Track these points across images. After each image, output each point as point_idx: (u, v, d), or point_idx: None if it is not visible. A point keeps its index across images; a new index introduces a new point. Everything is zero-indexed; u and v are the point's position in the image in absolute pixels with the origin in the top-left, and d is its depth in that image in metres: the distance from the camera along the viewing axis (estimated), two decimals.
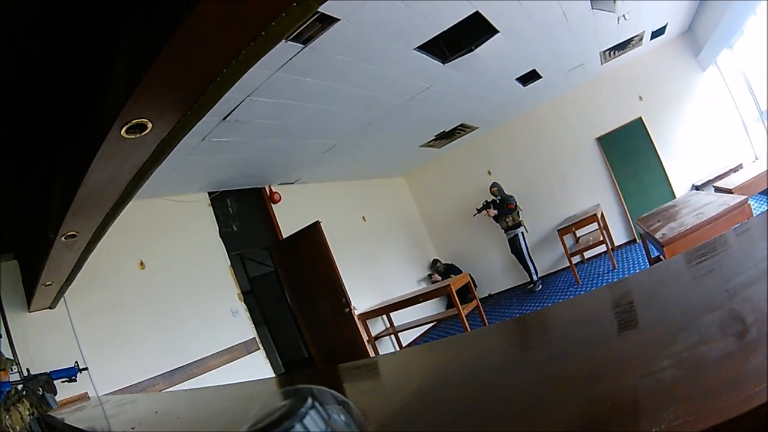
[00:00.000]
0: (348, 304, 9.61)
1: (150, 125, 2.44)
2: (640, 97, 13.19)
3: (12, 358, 5.61)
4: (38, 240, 4.82)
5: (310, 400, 0.62)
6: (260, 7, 1.81)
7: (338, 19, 5.37)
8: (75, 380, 6.04)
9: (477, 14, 6.71)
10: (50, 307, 6.86)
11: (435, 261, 15.27)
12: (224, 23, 1.83)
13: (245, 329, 8.95)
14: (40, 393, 5.59)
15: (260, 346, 9.06)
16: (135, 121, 2.36)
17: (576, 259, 13.39)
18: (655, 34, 11.58)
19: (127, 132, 2.45)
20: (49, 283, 5.62)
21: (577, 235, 13.84)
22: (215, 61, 2.07)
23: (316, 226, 9.68)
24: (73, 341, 6.92)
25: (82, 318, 7.07)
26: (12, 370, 5.57)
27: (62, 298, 6.73)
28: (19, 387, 5.53)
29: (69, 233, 3.99)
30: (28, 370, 5.67)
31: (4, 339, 6.26)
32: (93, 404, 5.77)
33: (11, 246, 6.83)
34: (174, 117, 2.48)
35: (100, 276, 7.19)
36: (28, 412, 5.21)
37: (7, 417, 4.98)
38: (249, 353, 8.78)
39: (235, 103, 6.38)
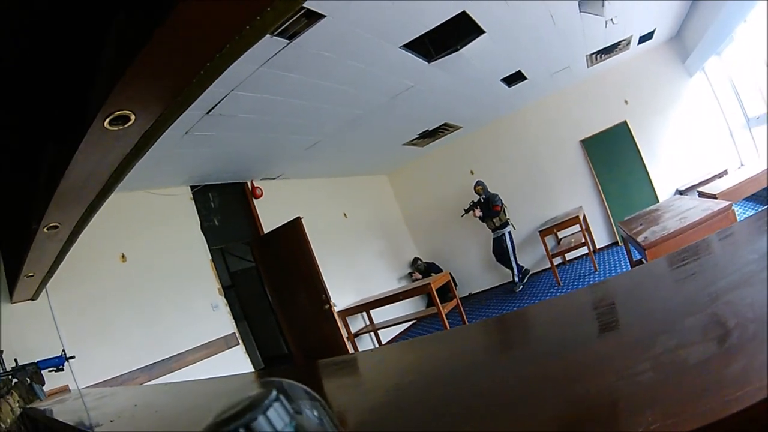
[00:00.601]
0: (328, 300, 9.62)
1: (133, 117, 2.43)
2: (626, 101, 13.24)
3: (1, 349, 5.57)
4: (21, 231, 4.81)
5: (274, 392, 0.62)
6: (246, 1, 1.82)
7: (324, 16, 5.37)
8: (62, 369, 5.98)
9: (464, 14, 6.72)
10: (32, 299, 6.84)
11: (416, 259, 15.27)
12: (210, 16, 1.83)
13: (225, 324, 8.93)
14: (29, 383, 5.55)
15: (240, 341, 9.05)
16: (118, 113, 2.36)
17: (557, 261, 13.46)
18: (643, 38, 11.63)
19: (110, 124, 2.45)
20: (31, 274, 5.62)
21: (559, 237, 13.89)
22: (199, 54, 2.07)
23: (297, 221, 9.67)
24: (54, 333, 6.91)
25: (63, 310, 7.05)
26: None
27: (44, 290, 6.71)
28: (10, 377, 5.50)
29: (51, 224, 4.00)
30: (16, 360, 5.61)
31: None
32: (73, 397, 5.74)
33: None
34: (157, 109, 2.47)
35: (82, 268, 7.17)
36: (17, 405, 5.16)
37: None
38: (229, 348, 8.77)
39: (219, 97, 6.37)
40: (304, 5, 4.76)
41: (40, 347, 6.14)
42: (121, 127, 2.50)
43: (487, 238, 14.04)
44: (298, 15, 5.17)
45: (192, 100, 2.43)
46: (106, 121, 2.44)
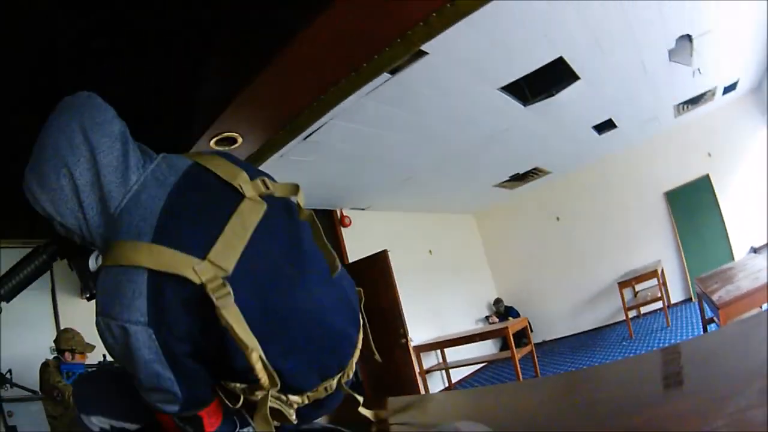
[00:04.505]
0: (405, 335, 9.57)
1: (240, 140, 2.48)
2: (709, 154, 12.89)
3: (93, 344, 5.67)
4: None
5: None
6: (366, 39, 1.84)
7: (427, 53, 5.40)
8: None
9: (560, 59, 6.72)
10: None
11: (498, 300, 15.10)
12: (329, 50, 1.86)
13: None
14: None
15: None
16: (226, 134, 2.41)
17: (632, 314, 13.16)
18: (727, 89, 11.34)
19: (216, 143, 2.50)
20: None
21: (636, 290, 13.55)
22: (314, 86, 2.10)
23: (383, 254, 9.69)
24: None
25: None
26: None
27: None
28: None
29: None
30: (104, 356, 5.70)
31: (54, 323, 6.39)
32: None
33: None
34: (265, 134, 2.52)
35: None
36: None
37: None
38: None
39: (318, 124, 6.43)
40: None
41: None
42: (227, 148, 2.55)
43: (567, 287, 13.88)
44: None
45: (302, 129, 2.47)
46: (213, 140, 2.49)
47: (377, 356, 2.00)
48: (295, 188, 1.75)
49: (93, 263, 1.72)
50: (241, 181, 1.55)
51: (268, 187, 1.61)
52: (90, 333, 5.75)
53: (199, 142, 2.47)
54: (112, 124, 1.50)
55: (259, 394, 1.43)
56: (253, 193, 1.54)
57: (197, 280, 1.31)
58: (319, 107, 2.24)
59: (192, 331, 1.37)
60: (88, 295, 2.09)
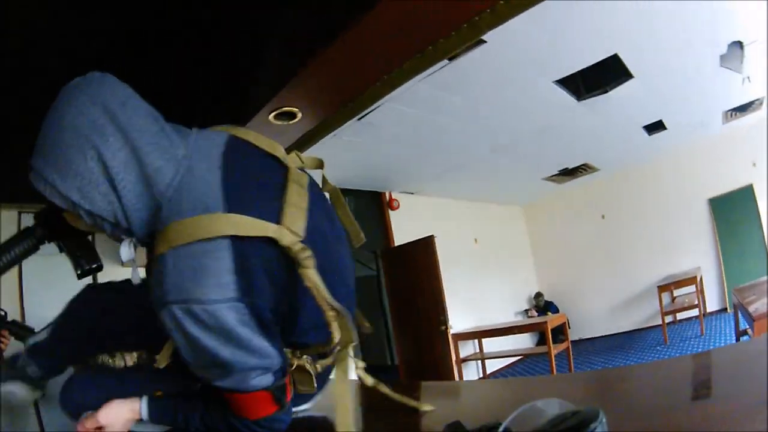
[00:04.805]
0: (445, 322, 9.58)
1: (299, 115, 2.49)
2: (754, 164, 12.63)
3: None
4: None
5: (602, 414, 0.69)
6: (433, 22, 1.84)
7: (485, 41, 5.37)
8: None
9: (615, 56, 6.65)
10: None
11: (538, 294, 15.03)
12: (395, 31, 1.86)
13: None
14: None
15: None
16: (286, 108, 2.42)
17: (667, 319, 13.00)
18: None
19: (275, 117, 2.51)
20: None
21: (674, 295, 13.36)
22: (377, 67, 2.10)
23: (429, 240, 9.69)
24: None
25: None
26: None
27: None
28: None
29: None
30: None
31: None
32: None
33: None
34: (324, 112, 2.52)
35: None
36: None
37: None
38: None
39: (373, 106, 6.42)
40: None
41: None
42: (285, 123, 2.56)
43: (607, 286, 13.84)
44: None
45: (360, 110, 2.47)
46: (272, 114, 2.50)
47: (367, 326, 2.05)
48: (321, 163, 1.91)
49: (127, 252, 1.63)
50: (280, 152, 1.64)
51: (301, 160, 1.72)
52: None
53: (259, 115, 2.48)
54: (137, 101, 1.47)
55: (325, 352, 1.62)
56: (293, 165, 1.61)
57: (285, 243, 1.35)
58: (380, 88, 2.24)
59: (272, 297, 1.40)
60: (79, 272, 2.11)
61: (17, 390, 2.25)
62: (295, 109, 2.42)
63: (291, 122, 2.52)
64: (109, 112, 1.36)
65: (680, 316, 13.06)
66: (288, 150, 2.57)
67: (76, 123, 1.33)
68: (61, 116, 1.35)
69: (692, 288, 12.06)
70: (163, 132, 1.45)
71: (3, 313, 3.64)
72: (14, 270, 6.60)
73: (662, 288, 12.09)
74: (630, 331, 13.72)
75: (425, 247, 9.72)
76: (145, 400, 1.73)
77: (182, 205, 1.38)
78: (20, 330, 3.86)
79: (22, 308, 6.21)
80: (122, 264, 1.66)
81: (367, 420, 2.00)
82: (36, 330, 4.06)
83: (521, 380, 2.92)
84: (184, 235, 1.34)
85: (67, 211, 1.48)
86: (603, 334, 14.69)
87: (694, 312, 11.85)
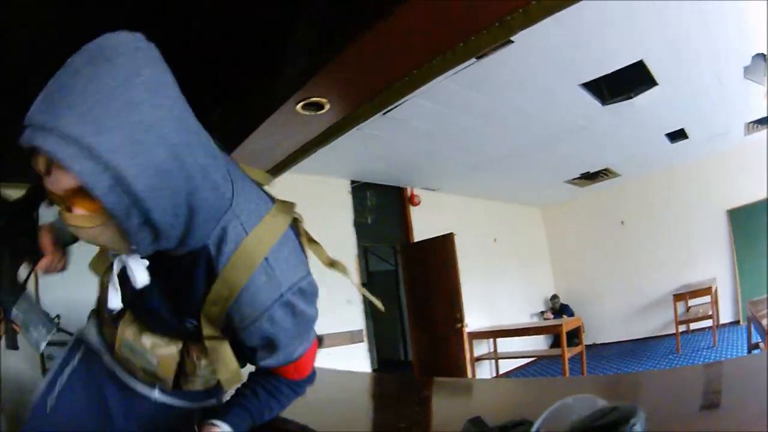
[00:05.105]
0: (461, 320, 9.57)
1: (327, 106, 2.50)
2: None
3: None
4: None
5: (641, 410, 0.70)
6: (465, 20, 1.85)
7: (512, 41, 5.37)
8: None
9: (641, 63, 6.63)
10: None
11: (554, 296, 15.02)
12: (427, 27, 1.87)
13: (355, 320, 9.02)
14: None
15: (365, 338, 9.12)
16: (314, 99, 2.43)
17: (680, 328, 12.93)
18: None
19: (302, 108, 2.52)
20: None
21: (689, 305, 13.26)
22: (407, 61, 2.11)
23: (449, 237, 9.68)
24: None
25: None
26: None
27: None
28: None
29: None
30: None
31: None
32: None
33: None
34: (351, 104, 2.53)
35: None
36: None
37: None
38: (352, 343, 8.84)
39: (399, 101, 6.43)
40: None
41: None
42: (312, 113, 2.58)
43: (623, 292, 13.82)
44: None
45: (388, 104, 2.49)
46: (300, 104, 2.51)
47: (379, 305, 2.13)
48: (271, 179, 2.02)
49: (117, 300, 1.60)
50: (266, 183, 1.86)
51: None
52: None
53: (286, 104, 2.48)
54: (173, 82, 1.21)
55: None
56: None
57: (300, 221, 1.60)
58: (408, 83, 2.25)
59: None
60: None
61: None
62: (323, 100, 2.43)
63: (318, 113, 2.54)
64: (160, 89, 1.13)
65: (694, 326, 12.94)
66: (312, 143, 2.61)
67: (131, 96, 1.05)
68: (104, 82, 1.05)
69: (707, 298, 12.03)
70: (211, 143, 1.35)
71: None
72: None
73: (677, 297, 12.04)
74: (643, 339, 13.66)
75: (444, 244, 9.71)
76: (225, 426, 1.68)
77: (244, 216, 1.41)
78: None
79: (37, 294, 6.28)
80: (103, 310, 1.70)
81: (383, 413, 2.02)
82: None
83: (536, 380, 2.94)
84: (266, 240, 1.42)
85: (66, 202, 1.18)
86: (617, 340, 14.63)
87: (708, 323, 11.78)
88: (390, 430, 1.90)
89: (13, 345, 3.48)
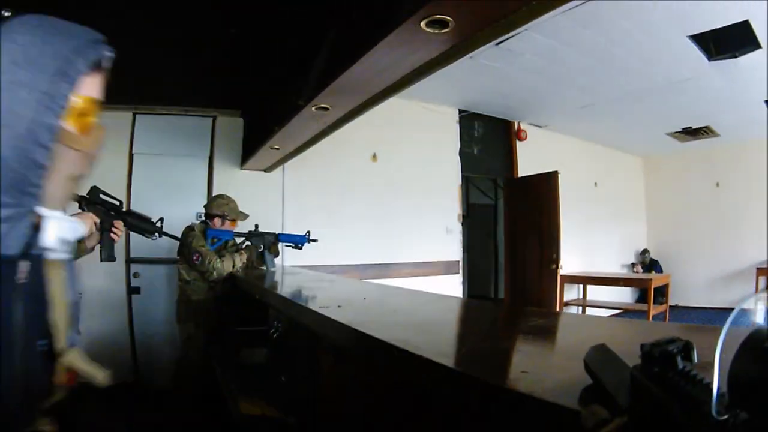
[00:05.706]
0: (557, 261, 9.57)
1: (452, 24, 2.46)
2: None
3: (246, 213, 5.67)
4: (279, 104, 5.03)
5: None
6: None
7: None
8: (301, 248, 6.02)
9: (746, 23, 6.47)
10: (265, 170, 7.28)
11: (645, 250, 14.79)
12: None
13: (453, 250, 9.13)
14: (261, 250, 5.83)
15: (460, 270, 9.15)
16: (438, 16, 2.39)
17: None
18: None
19: (427, 25, 2.49)
20: (277, 147, 5.90)
21: None
22: None
23: (553, 175, 9.64)
24: (275, 207, 7.38)
25: (294, 189, 7.50)
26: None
27: (282, 166, 7.11)
28: (239, 240, 5.81)
29: (321, 105, 4.12)
30: (257, 225, 5.85)
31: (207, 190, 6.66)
32: (286, 272, 5.97)
33: (239, 102, 7.20)
34: (479, 24, 2.49)
35: (330, 157, 7.54)
36: (240, 264, 5.43)
37: (219, 261, 5.19)
38: (447, 274, 8.91)
39: (514, 32, 6.38)
40: None
41: (258, 219, 6.03)
42: (437, 31, 2.54)
43: (711, 257, 13.70)
44: None
45: (516, 26, 2.44)
46: (424, 21, 2.48)
47: None
48: None
49: None
50: None
51: None
52: (244, 201, 5.83)
53: (411, 19, 2.45)
54: None
55: None
56: None
57: None
58: (534, 9, 2.20)
59: None
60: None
61: None
62: (449, 18, 2.39)
63: (442, 31, 2.50)
64: None
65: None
66: (432, 62, 2.57)
67: None
68: None
69: None
70: None
71: (119, 203, 3.69)
72: (125, 167, 6.88)
73: (761, 271, 11.78)
74: (723, 309, 13.31)
75: (548, 181, 9.66)
76: None
77: None
78: (137, 221, 3.91)
79: (129, 202, 6.51)
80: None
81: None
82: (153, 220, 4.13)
83: (636, 322, 2.86)
84: None
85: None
86: (699, 306, 14.32)
87: None
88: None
89: (110, 257, 3.62)
